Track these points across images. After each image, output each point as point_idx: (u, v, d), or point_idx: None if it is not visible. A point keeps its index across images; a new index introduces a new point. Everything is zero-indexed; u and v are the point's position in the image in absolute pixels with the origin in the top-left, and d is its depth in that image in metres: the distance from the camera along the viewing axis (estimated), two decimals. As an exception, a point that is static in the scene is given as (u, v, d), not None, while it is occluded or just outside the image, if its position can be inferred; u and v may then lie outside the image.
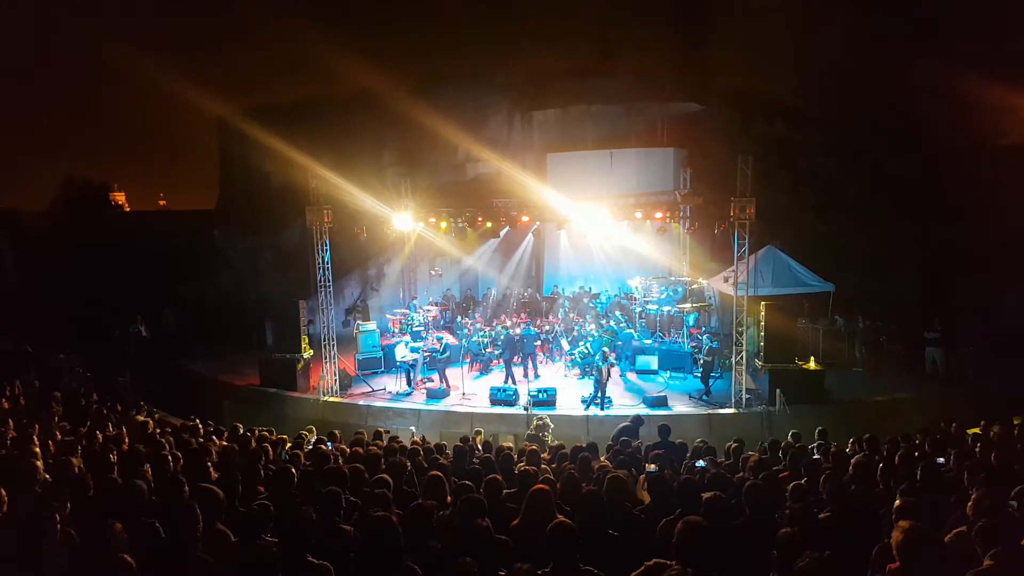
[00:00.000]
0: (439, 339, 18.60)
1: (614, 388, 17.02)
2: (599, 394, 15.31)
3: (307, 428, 11.57)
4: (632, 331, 19.60)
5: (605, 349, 15.84)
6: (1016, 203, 17.90)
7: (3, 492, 4.94)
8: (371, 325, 19.80)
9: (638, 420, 11.57)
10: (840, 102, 23.52)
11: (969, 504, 4.78)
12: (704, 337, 17.27)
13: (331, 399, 16.77)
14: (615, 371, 18.57)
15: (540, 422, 13.27)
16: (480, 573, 4.29)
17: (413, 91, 24.87)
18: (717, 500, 5.00)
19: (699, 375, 16.82)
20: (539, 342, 19.32)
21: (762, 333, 15.68)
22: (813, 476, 6.86)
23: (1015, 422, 10.03)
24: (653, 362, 18.47)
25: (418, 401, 16.49)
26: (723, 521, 4.95)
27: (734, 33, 26.63)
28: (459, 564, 4.26)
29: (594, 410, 15.25)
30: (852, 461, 7.50)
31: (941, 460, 7.76)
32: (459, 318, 21.77)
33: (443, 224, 18.21)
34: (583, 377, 17.55)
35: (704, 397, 16.04)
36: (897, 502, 5.09)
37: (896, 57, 22.25)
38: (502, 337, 18.22)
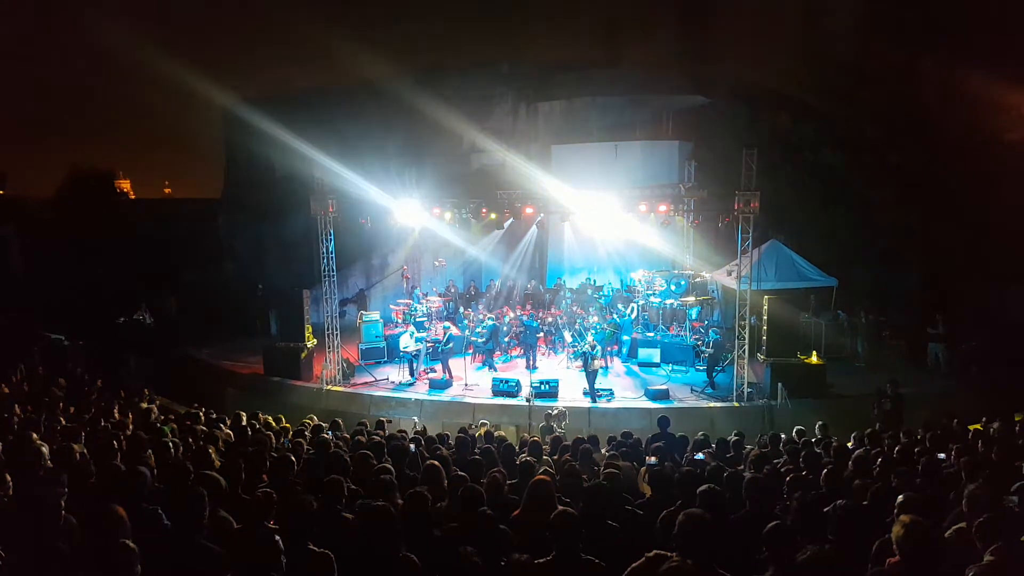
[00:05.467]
0: (446, 328, 18.64)
1: (616, 381, 17.08)
2: (591, 386, 15.33)
3: (308, 417, 11.61)
4: (632, 321, 19.65)
5: (592, 340, 15.85)
6: (1021, 198, 17.84)
7: (8, 477, 4.97)
8: (375, 315, 19.85)
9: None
10: (846, 96, 23.44)
11: (964, 499, 4.78)
12: (711, 331, 17.27)
13: (334, 388, 16.82)
14: (616, 363, 18.66)
15: (556, 412, 13.32)
16: (481, 563, 4.31)
17: (418, 81, 24.84)
18: (711, 492, 5.01)
19: (703, 368, 16.82)
20: (541, 334, 19.33)
21: (764, 327, 15.67)
22: (813, 470, 6.88)
23: (1016, 418, 10.03)
24: (655, 355, 18.49)
25: (421, 391, 16.52)
26: (722, 513, 4.97)
27: (740, 26, 26.55)
28: (460, 553, 4.28)
29: (603, 403, 15.28)
30: (853, 455, 7.51)
31: (942, 456, 7.77)
32: (462, 309, 21.77)
33: (447, 215, 18.21)
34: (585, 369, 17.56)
35: (709, 390, 16.06)
36: (898, 497, 5.11)
37: (902, 51, 22.16)
38: (485, 327, 18.26)
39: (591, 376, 15.37)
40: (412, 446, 8.63)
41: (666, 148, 23.50)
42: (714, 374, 16.41)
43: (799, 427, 10.56)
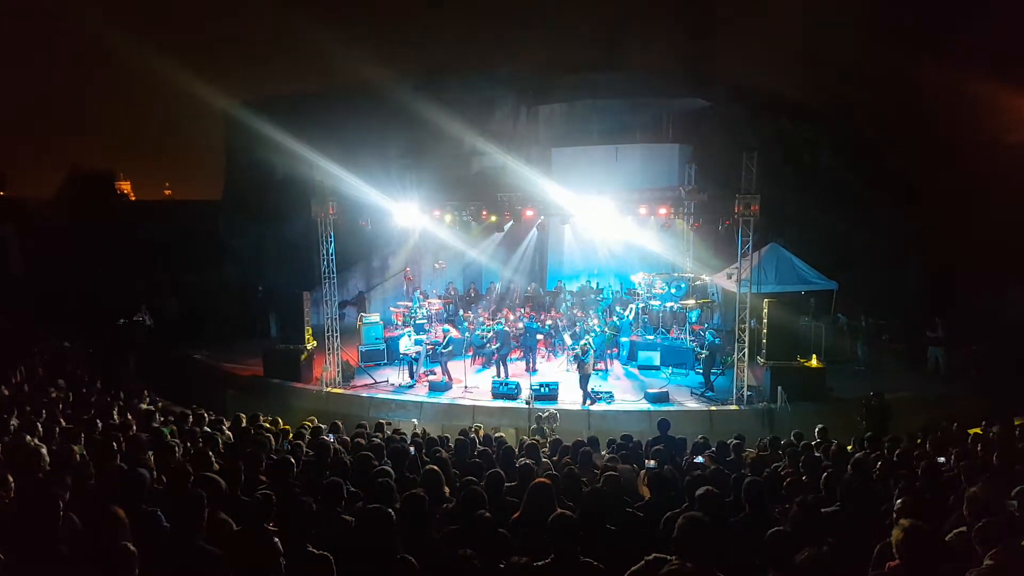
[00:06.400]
0: (445, 331, 18.60)
1: (616, 383, 17.07)
2: (584, 388, 15.34)
3: (308, 419, 11.60)
4: (632, 323, 19.66)
5: (585, 343, 15.85)
6: (1021, 201, 17.85)
7: (10, 478, 4.97)
8: (375, 317, 19.85)
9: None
10: (846, 99, 23.48)
11: (965, 503, 4.78)
12: (707, 333, 17.27)
13: (334, 390, 16.81)
14: (616, 366, 18.66)
15: (547, 415, 13.32)
16: (480, 565, 4.30)
17: (419, 84, 24.86)
18: (710, 495, 5.01)
19: (701, 371, 16.83)
20: (541, 336, 19.32)
21: (764, 330, 15.67)
22: (813, 473, 6.87)
23: (1016, 422, 10.02)
24: (655, 358, 18.48)
25: (420, 393, 16.53)
26: (721, 516, 4.97)
27: (740, 29, 26.57)
28: (460, 556, 4.28)
29: (599, 406, 15.27)
30: (852, 459, 7.51)
31: (942, 459, 7.77)
32: (461, 311, 21.78)
33: (448, 217, 18.22)
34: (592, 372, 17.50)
35: (708, 392, 16.05)
36: (899, 501, 5.10)
37: (902, 54, 22.18)
38: (496, 331, 18.20)
39: (583, 379, 15.35)
40: (411, 448, 8.63)
41: (666, 151, 23.51)
42: (712, 377, 16.41)
43: (796, 430, 10.56)
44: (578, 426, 14.26)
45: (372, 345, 18.93)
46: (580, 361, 15.41)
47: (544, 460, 8.42)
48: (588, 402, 15.26)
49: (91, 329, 19.91)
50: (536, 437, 11.64)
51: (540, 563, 4.04)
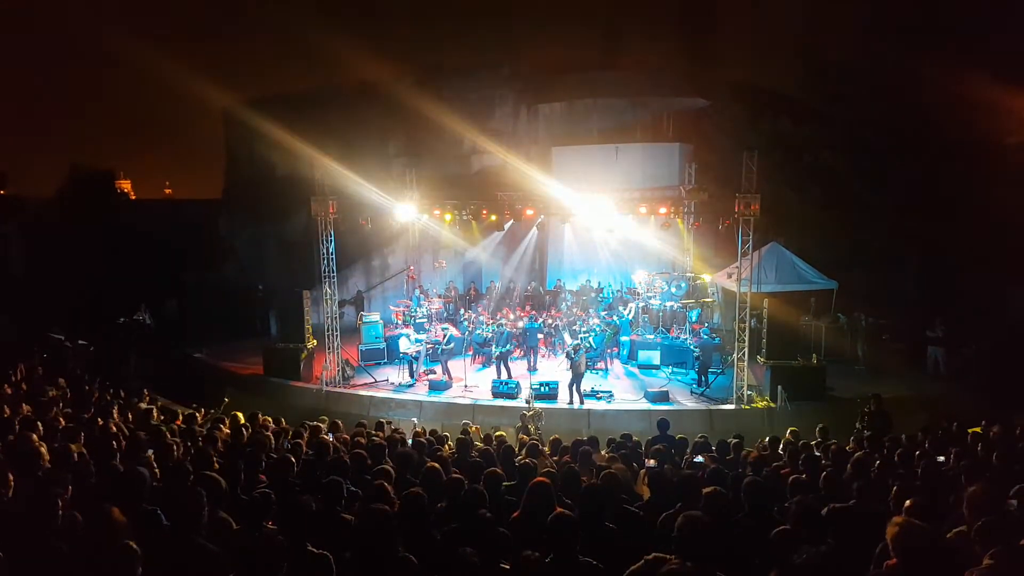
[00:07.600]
0: (444, 330, 18.60)
1: (616, 383, 17.08)
2: (577, 387, 15.32)
3: (320, 419, 11.53)
4: (631, 322, 19.66)
5: (578, 342, 15.84)
6: (1021, 201, 17.84)
7: (10, 476, 4.96)
8: (375, 316, 19.84)
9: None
10: (846, 99, 23.45)
11: (964, 502, 4.78)
12: (702, 331, 17.29)
13: (334, 389, 16.82)
14: (616, 365, 18.66)
15: (531, 412, 13.32)
16: (480, 564, 4.31)
17: (419, 82, 24.86)
18: (717, 495, 5.01)
19: (698, 369, 16.85)
20: (541, 335, 19.31)
21: (764, 329, 15.68)
22: (813, 472, 6.88)
23: (1016, 421, 10.01)
24: (655, 357, 18.49)
25: (420, 392, 16.54)
26: (723, 516, 4.97)
27: (740, 28, 26.54)
28: (460, 555, 4.28)
29: (603, 405, 15.27)
30: (852, 458, 7.51)
31: (941, 459, 7.77)
32: (462, 310, 21.77)
33: (448, 216, 18.21)
34: (585, 371, 17.51)
35: (705, 391, 16.06)
36: (896, 499, 5.10)
37: (903, 54, 22.16)
38: (503, 333, 18.16)
39: (576, 378, 15.34)
40: (411, 447, 8.63)
41: (666, 150, 23.51)
42: (712, 376, 16.41)
43: (793, 429, 10.56)
44: (577, 426, 14.26)
45: (372, 344, 18.94)
46: (571, 360, 15.36)
47: (543, 459, 8.41)
48: (577, 401, 15.24)
49: (91, 328, 19.88)
50: (521, 435, 11.67)
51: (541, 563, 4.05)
